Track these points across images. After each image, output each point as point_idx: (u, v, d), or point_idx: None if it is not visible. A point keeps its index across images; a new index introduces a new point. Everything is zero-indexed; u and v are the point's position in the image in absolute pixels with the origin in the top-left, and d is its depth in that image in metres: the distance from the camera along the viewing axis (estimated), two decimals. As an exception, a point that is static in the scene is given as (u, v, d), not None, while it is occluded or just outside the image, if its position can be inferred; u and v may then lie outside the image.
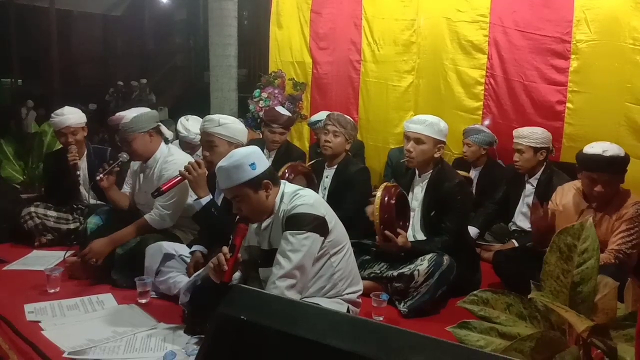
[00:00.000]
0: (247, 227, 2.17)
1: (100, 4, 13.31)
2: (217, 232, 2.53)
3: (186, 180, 2.71)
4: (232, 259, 2.02)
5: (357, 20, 5.27)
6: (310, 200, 2.09)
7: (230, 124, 2.74)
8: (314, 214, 2.06)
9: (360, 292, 2.33)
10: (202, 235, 2.90)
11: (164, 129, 3.19)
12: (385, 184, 2.81)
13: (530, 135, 3.49)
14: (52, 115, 3.71)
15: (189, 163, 2.69)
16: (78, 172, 3.62)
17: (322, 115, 4.46)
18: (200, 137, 2.91)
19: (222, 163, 2.12)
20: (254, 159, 2.09)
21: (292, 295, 2.01)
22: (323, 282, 2.17)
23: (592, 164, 2.59)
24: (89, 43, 15.22)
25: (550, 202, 2.91)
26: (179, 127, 4.01)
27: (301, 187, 2.22)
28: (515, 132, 3.62)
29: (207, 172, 2.68)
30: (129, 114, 3.07)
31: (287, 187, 2.20)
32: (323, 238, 2.09)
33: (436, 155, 2.85)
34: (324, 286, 2.17)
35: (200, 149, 4.03)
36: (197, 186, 2.65)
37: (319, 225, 2.06)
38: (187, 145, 3.95)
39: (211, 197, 2.68)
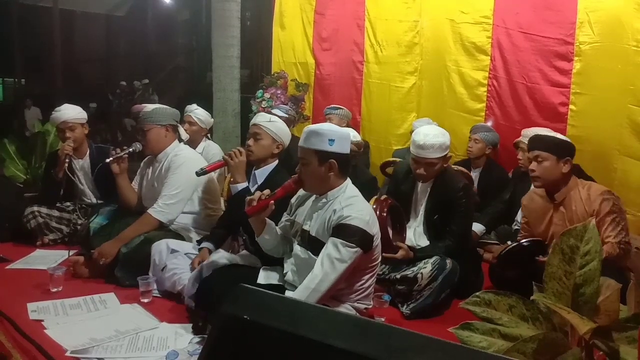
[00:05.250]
0: (295, 187, 2.27)
1: (103, 4, 13.36)
2: (243, 221, 2.55)
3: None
4: (266, 200, 2.18)
5: (360, 21, 5.27)
6: (367, 216, 2.13)
7: (278, 123, 2.88)
8: (368, 232, 2.10)
9: (369, 307, 2.38)
10: (212, 234, 2.97)
11: (181, 129, 3.27)
12: (375, 197, 2.83)
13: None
14: (52, 113, 3.73)
15: (232, 150, 2.81)
16: (66, 160, 3.55)
17: (339, 108, 4.73)
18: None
19: (311, 126, 2.26)
20: (336, 138, 2.15)
21: (323, 299, 2.07)
22: (342, 286, 2.20)
23: (529, 143, 2.81)
24: (91, 43, 15.27)
25: (522, 217, 2.98)
26: (192, 114, 4.11)
27: (359, 194, 2.25)
28: (523, 131, 3.65)
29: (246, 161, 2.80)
30: (152, 105, 3.19)
31: (349, 188, 2.23)
32: (364, 254, 2.14)
33: (445, 165, 2.87)
34: (342, 289, 2.21)
35: (202, 142, 4.13)
36: (236, 172, 2.77)
37: (367, 242, 2.12)
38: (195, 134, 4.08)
39: (247, 184, 2.77)
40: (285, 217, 2.43)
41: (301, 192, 2.38)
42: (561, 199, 2.69)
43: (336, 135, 2.16)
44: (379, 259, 2.30)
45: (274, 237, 2.35)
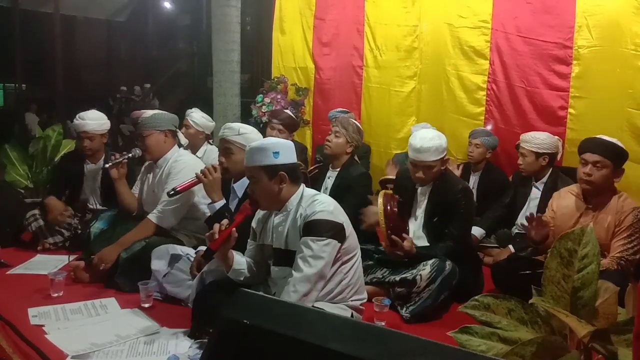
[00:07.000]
0: (252, 209, 2.22)
1: (104, 9, 13.39)
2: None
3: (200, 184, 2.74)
4: (227, 231, 2.10)
5: (359, 26, 5.29)
6: (330, 207, 2.12)
7: (249, 134, 2.75)
8: (334, 221, 2.09)
9: (364, 300, 2.36)
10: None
11: (180, 135, 3.27)
12: (383, 191, 2.84)
13: (532, 140, 3.52)
14: (76, 117, 3.70)
15: (205, 167, 2.71)
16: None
17: (342, 112, 4.69)
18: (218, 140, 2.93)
19: (252, 143, 2.22)
20: (280, 149, 2.14)
21: (310, 299, 2.05)
22: (331, 287, 2.18)
23: (588, 144, 2.67)
24: (92, 48, 15.31)
25: (547, 209, 2.95)
26: (188, 117, 4.14)
27: (319, 192, 2.25)
28: (521, 136, 3.67)
29: (221, 177, 2.70)
30: (150, 111, 3.22)
31: (306, 191, 2.22)
32: (340, 245, 2.12)
33: (443, 168, 2.88)
34: (332, 290, 2.19)
35: (203, 146, 4.14)
36: (212, 190, 2.67)
37: (338, 232, 2.10)
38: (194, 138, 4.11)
39: (225, 201, 2.70)
40: (250, 244, 2.38)
41: (260, 214, 2.34)
42: (596, 204, 2.69)
43: (280, 147, 2.15)
44: (357, 250, 2.26)
45: (244, 267, 2.29)
